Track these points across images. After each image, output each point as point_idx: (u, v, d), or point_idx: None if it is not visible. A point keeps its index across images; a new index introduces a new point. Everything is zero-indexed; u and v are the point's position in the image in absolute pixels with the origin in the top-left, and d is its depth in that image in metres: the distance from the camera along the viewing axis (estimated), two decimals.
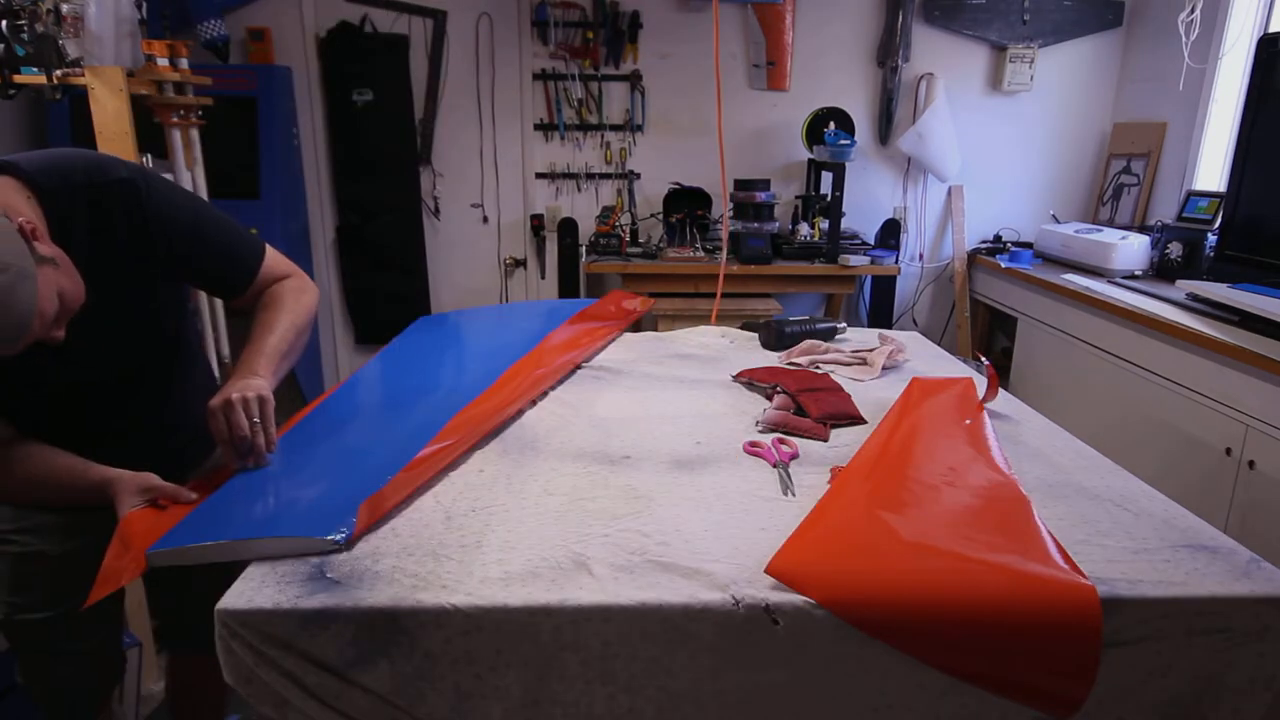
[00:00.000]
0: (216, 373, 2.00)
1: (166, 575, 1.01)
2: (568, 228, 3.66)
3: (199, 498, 1.13)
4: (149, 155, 2.06)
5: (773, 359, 1.84)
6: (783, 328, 1.96)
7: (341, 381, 1.61)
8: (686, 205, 3.59)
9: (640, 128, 3.73)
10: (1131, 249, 3.07)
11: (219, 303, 2.44)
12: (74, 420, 1.24)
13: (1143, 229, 3.28)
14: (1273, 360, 2.01)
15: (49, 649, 1.31)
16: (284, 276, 1.36)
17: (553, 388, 1.62)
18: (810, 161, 3.69)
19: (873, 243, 3.74)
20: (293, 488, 1.15)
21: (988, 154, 3.82)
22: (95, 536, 1.08)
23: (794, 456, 1.30)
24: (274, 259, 1.35)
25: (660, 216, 3.68)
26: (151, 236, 1.17)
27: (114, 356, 1.23)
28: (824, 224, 3.53)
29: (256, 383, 1.18)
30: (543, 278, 3.93)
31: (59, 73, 1.92)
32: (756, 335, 2.02)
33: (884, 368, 1.76)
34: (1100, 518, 1.10)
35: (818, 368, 1.76)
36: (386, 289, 3.82)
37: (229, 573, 0.96)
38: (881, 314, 3.73)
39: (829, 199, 3.49)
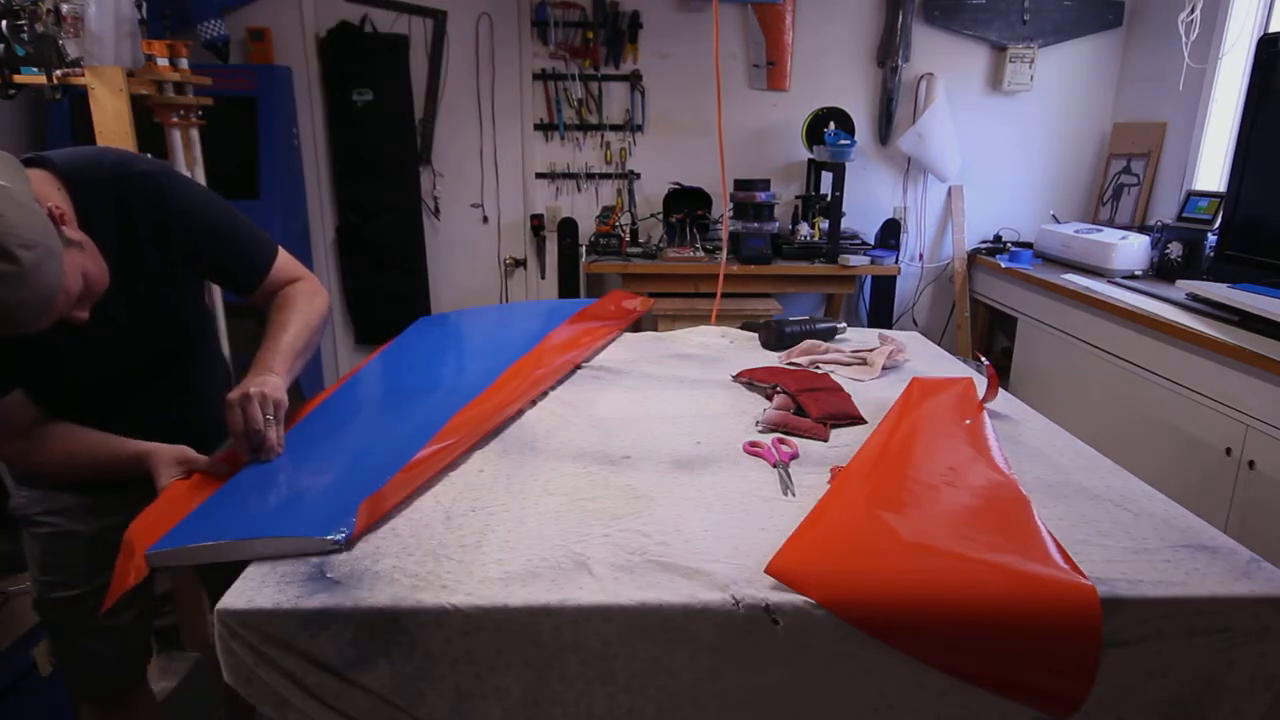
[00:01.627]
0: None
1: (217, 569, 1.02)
2: (568, 228, 3.66)
3: (231, 470, 1.17)
4: (149, 155, 2.06)
5: (773, 359, 1.84)
6: (783, 328, 1.96)
7: (340, 381, 1.61)
8: (686, 205, 3.59)
9: (640, 128, 3.74)
10: (1131, 249, 3.07)
11: (220, 305, 2.44)
12: (91, 410, 1.27)
13: (1143, 229, 3.28)
14: (1273, 360, 2.01)
15: (82, 626, 1.35)
16: (296, 279, 1.41)
17: (553, 388, 1.62)
18: (810, 161, 3.69)
19: (873, 243, 3.74)
20: (293, 488, 1.15)
21: (988, 154, 3.82)
22: (121, 516, 1.11)
23: (794, 456, 1.30)
24: (287, 262, 1.40)
25: (660, 216, 3.68)
26: (170, 229, 1.23)
27: (134, 346, 1.28)
28: (824, 224, 3.53)
29: (273, 380, 1.22)
30: (543, 278, 3.93)
31: (59, 73, 1.92)
32: (756, 335, 2.02)
33: (884, 368, 1.76)
34: (1100, 518, 1.10)
35: (818, 368, 1.76)
36: (386, 289, 3.82)
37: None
38: (881, 314, 3.73)
39: (829, 199, 3.49)
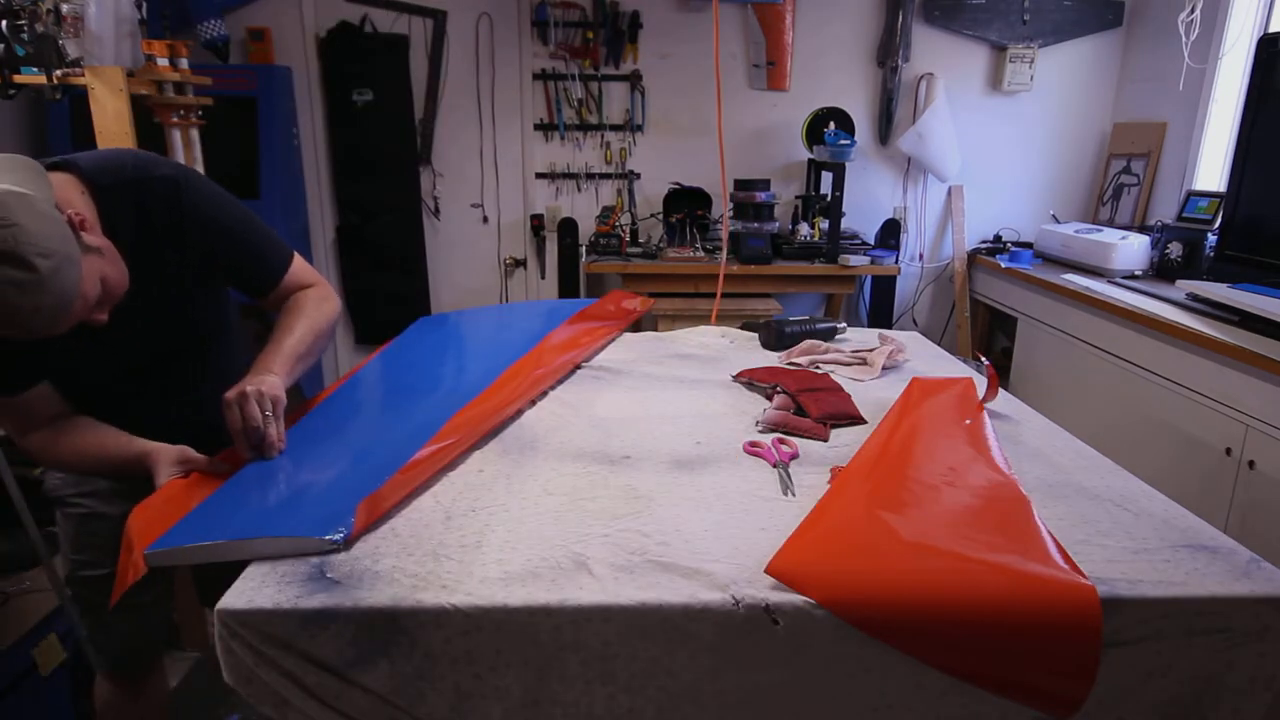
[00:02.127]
0: None
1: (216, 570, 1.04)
2: (568, 228, 3.66)
3: (231, 469, 1.18)
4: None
5: (773, 359, 1.84)
6: (783, 328, 1.96)
7: (340, 380, 1.61)
8: (686, 205, 3.59)
9: (640, 128, 3.74)
10: (1131, 249, 3.07)
11: None
12: (102, 407, 1.30)
13: (1143, 229, 3.28)
14: (1273, 360, 2.01)
15: (109, 603, 1.37)
16: (309, 285, 1.43)
17: (553, 388, 1.62)
18: (810, 161, 3.69)
19: (873, 243, 3.74)
20: (291, 487, 1.15)
21: (988, 154, 3.82)
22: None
23: (794, 456, 1.30)
24: (301, 267, 1.43)
25: (660, 216, 3.68)
26: (185, 231, 1.25)
27: (144, 347, 1.30)
28: (824, 224, 3.52)
29: (271, 379, 1.23)
30: (543, 278, 3.93)
31: (59, 73, 1.92)
32: (756, 335, 2.02)
33: (884, 368, 1.76)
34: (1100, 518, 1.10)
35: (818, 368, 1.76)
36: (386, 289, 3.82)
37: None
38: (881, 314, 3.73)
39: (829, 199, 3.49)
